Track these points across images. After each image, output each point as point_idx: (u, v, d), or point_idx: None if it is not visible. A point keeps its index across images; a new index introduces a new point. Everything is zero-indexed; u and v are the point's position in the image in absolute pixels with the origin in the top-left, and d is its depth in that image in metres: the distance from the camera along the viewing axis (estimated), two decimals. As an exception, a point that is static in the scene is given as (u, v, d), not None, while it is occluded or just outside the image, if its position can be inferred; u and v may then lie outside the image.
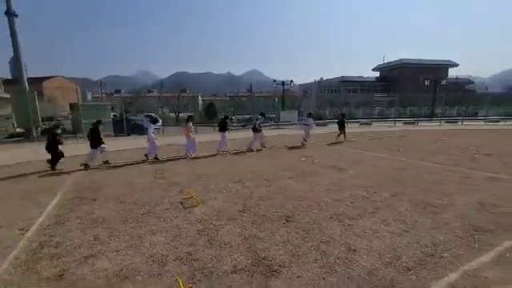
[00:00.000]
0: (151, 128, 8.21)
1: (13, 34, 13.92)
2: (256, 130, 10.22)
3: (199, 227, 3.42)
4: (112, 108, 22.14)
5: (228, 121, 10.50)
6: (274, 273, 2.45)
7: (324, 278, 2.36)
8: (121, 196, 4.78)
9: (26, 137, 15.15)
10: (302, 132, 11.78)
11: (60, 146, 7.36)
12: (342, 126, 12.22)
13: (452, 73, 57.75)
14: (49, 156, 7.21)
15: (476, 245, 2.86)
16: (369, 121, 25.61)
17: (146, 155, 8.27)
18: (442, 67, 55.64)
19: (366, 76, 58.43)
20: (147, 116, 9.20)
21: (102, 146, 7.74)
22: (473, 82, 59.19)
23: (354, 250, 2.80)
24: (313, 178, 5.80)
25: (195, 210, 4.01)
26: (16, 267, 2.64)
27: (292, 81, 32.92)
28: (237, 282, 2.33)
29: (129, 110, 36.52)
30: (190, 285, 2.27)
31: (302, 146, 10.83)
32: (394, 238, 3.06)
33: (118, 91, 64.04)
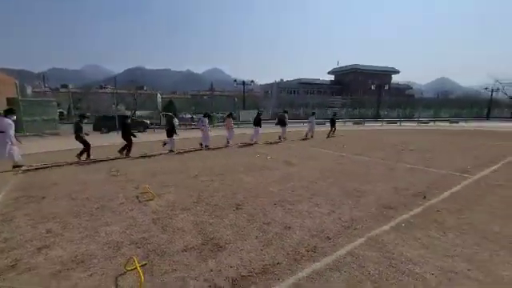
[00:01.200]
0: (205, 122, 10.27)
1: None
2: (284, 123, 13.00)
3: (154, 217, 3.69)
4: (58, 104, 20.37)
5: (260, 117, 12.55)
6: (220, 248, 2.87)
7: (261, 249, 2.85)
8: (73, 193, 4.75)
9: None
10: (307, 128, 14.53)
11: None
12: (333, 124, 14.77)
13: (395, 79, 64.46)
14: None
15: (382, 218, 3.64)
16: (323, 121, 27.45)
17: (200, 144, 10.20)
18: (387, 74, 61.67)
19: (322, 79, 62.05)
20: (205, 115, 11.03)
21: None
22: (411, 88, 66.79)
23: (290, 228, 3.36)
24: (264, 172, 6.36)
25: (151, 203, 4.24)
26: (-39, 262, 2.64)
27: (253, 81, 33.69)
28: (187, 257, 2.70)
29: (78, 106, 33.71)
30: (145, 261, 2.57)
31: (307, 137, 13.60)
32: (322, 217, 3.70)
33: (64, 86, 58.27)
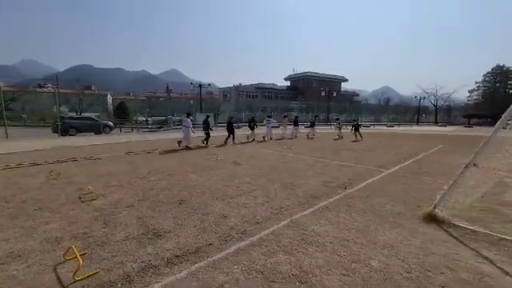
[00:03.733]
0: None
1: None
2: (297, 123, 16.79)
3: (96, 214, 3.84)
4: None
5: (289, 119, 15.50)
6: (159, 236, 3.20)
7: (197, 235, 3.26)
8: (6, 197, 4.57)
9: None
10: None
11: None
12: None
13: (346, 86, 70.14)
14: None
15: (306, 206, 4.32)
16: (277, 124, 28.75)
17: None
18: (336, 81, 66.78)
19: (279, 84, 64.56)
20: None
21: None
22: (358, 95, 73.31)
23: (226, 217, 3.82)
24: (213, 171, 6.76)
25: (94, 203, 4.33)
26: None
27: (210, 84, 33.72)
28: (127, 245, 2.97)
29: (11, 107, 29.88)
30: (85, 251, 2.79)
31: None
32: (257, 207, 4.25)
33: (-9, 83, 50.75)
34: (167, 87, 55.10)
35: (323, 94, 45.71)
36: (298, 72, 64.06)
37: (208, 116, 13.47)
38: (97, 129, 18.86)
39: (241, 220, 3.71)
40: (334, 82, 64.65)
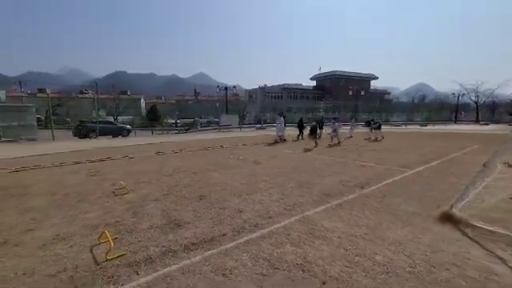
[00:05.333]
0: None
1: None
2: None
3: (127, 206, 4.30)
4: (36, 110, 20.19)
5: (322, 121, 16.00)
6: (179, 226, 3.54)
7: (213, 226, 3.55)
8: (53, 190, 5.26)
9: None
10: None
11: None
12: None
13: (375, 84, 67.38)
14: None
15: (320, 203, 4.43)
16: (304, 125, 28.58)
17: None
18: (366, 79, 64.41)
19: (305, 84, 63.89)
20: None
21: None
22: (389, 93, 69.94)
23: (241, 211, 4.08)
24: (234, 170, 7.07)
25: (125, 196, 4.84)
26: (-42, 242, 3.16)
27: (235, 86, 34.53)
28: (151, 233, 3.35)
29: (57, 112, 33.12)
30: (116, 236, 3.20)
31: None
32: (271, 203, 4.45)
33: (41, 90, 56.56)
34: (195, 90, 57.24)
35: (351, 93, 44.35)
36: (325, 71, 62.91)
37: (302, 118, 16.61)
38: (115, 132, 19.87)
39: (254, 214, 3.94)
40: (362, 81, 62.51)
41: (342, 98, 51.55)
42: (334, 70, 60.70)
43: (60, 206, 4.34)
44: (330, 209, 4.16)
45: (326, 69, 62.13)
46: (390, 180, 5.87)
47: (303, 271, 2.51)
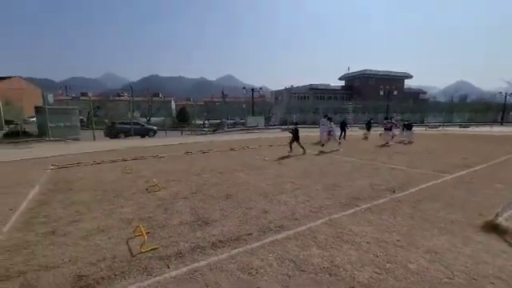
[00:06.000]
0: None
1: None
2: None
3: (159, 203, 4.53)
4: (79, 112, 21.99)
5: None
6: (207, 224, 3.66)
7: (239, 226, 3.61)
8: (93, 186, 5.70)
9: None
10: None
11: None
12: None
13: (410, 83, 63.69)
14: None
15: (348, 207, 4.30)
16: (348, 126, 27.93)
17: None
18: (398, 78, 61.09)
19: (332, 84, 62.24)
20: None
21: None
22: (425, 93, 65.64)
23: (267, 212, 4.10)
24: (259, 170, 7.12)
25: (157, 193, 5.10)
26: (16, 230, 3.56)
27: (261, 88, 34.64)
28: (181, 229, 3.50)
29: (97, 114, 35.72)
30: (149, 230, 3.39)
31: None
32: (297, 205, 4.41)
33: (84, 94, 61.49)
34: (222, 92, 58.40)
35: (382, 92, 42.36)
36: (355, 70, 60.76)
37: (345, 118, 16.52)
38: (143, 133, 20.70)
39: (280, 215, 3.94)
40: (395, 80, 59.35)
41: (373, 98, 49.34)
42: (364, 69, 58.37)
43: (100, 201, 4.69)
44: (359, 213, 4.03)
45: (356, 68, 59.98)
46: (426, 185, 5.52)
47: (330, 275, 2.47)
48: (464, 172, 6.69)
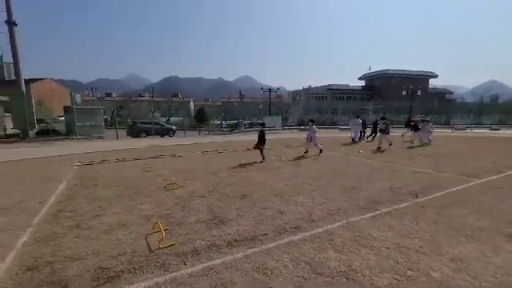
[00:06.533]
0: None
1: (12, 42, 14.84)
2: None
3: (176, 201, 4.63)
4: (104, 112, 23.02)
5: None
6: (223, 223, 3.68)
7: (255, 225, 3.60)
8: (116, 182, 5.94)
9: (21, 137, 15.92)
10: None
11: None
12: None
13: (435, 83, 60.87)
14: None
15: (367, 210, 4.17)
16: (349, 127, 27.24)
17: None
18: (423, 78, 58.56)
19: (352, 85, 60.80)
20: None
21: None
22: (452, 93, 62.45)
23: (283, 212, 4.06)
24: (275, 171, 7.08)
25: (175, 191, 5.21)
26: (45, 222, 3.78)
27: (278, 88, 34.56)
28: (197, 227, 3.55)
29: (120, 113, 37.22)
30: (167, 227, 3.47)
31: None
32: (314, 206, 4.34)
33: (108, 94, 64.31)
34: (240, 93, 59.01)
35: (404, 92, 40.79)
36: (375, 70, 58.99)
37: (383, 118, 15.38)
38: (163, 132, 21.53)
39: (296, 217, 3.89)
40: (419, 79, 56.96)
41: (394, 99, 47.66)
42: (386, 68, 56.50)
43: (121, 197, 4.87)
44: (379, 217, 3.89)
45: (377, 68, 58.13)
46: (452, 189, 5.24)
47: (347, 279, 2.40)
48: (494, 177, 6.28)
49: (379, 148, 11.21)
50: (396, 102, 44.09)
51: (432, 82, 60.52)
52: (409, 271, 2.51)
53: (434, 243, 3.06)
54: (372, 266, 2.61)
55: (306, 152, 9.89)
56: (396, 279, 2.39)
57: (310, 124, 10.18)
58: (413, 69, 58.15)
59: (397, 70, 56.07)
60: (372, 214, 4.00)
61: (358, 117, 15.06)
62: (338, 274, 2.48)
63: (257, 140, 8.81)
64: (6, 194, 5.13)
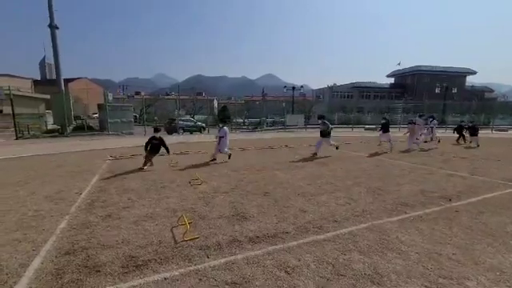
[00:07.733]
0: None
1: (54, 44, 16.09)
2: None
3: (200, 196, 4.75)
4: (133, 109, 24.22)
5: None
6: (245, 219, 3.72)
7: (276, 223, 3.60)
8: (144, 176, 6.23)
9: (60, 133, 17.24)
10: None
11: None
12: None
13: (473, 80, 56.56)
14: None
15: (394, 213, 3.99)
16: (373, 126, 26.21)
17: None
18: (459, 75, 54.63)
19: (380, 82, 58.29)
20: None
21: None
22: (492, 91, 57.62)
23: (305, 211, 4.01)
24: (298, 170, 7.01)
25: (199, 187, 5.35)
26: (80, 210, 4.06)
27: (302, 86, 34.04)
28: (220, 222, 3.62)
29: (148, 111, 38.87)
30: (191, 220, 3.58)
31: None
32: (338, 207, 4.24)
33: (137, 93, 67.41)
34: (263, 91, 58.98)
35: (438, 91, 38.33)
36: (406, 67, 55.99)
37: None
38: (195, 129, 22.98)
39: (319, 216, 3.82)
40: (455, 77, 53.16)
41: (427, 97, 44.94)
42: (418, 64, 53.40)
43: (149, 190, 5.10)
44: (407, 220, 3.71)
45: (408, 65, 55.14)
46: (491, 195, 4.86)
47: (372, 282, 2.32)
48: (541, 183, 5.71)
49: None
50: (428, 100, 41.59)
51: (470, 80, 56.30)
52: (440, 279, 2.37)
53: (469, 251, 2.86)
54: (399, 270, 2.49)
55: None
56: (425, 286, 2.27)
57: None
58: (449, 65, 54.46)
59: (429, 67, 52.78)
60: (400, 217, 3.82)
61: (420, 116, 12.63)
62: (363, 276, 2.41)
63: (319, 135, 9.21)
64: (50, 183, 5.59)
